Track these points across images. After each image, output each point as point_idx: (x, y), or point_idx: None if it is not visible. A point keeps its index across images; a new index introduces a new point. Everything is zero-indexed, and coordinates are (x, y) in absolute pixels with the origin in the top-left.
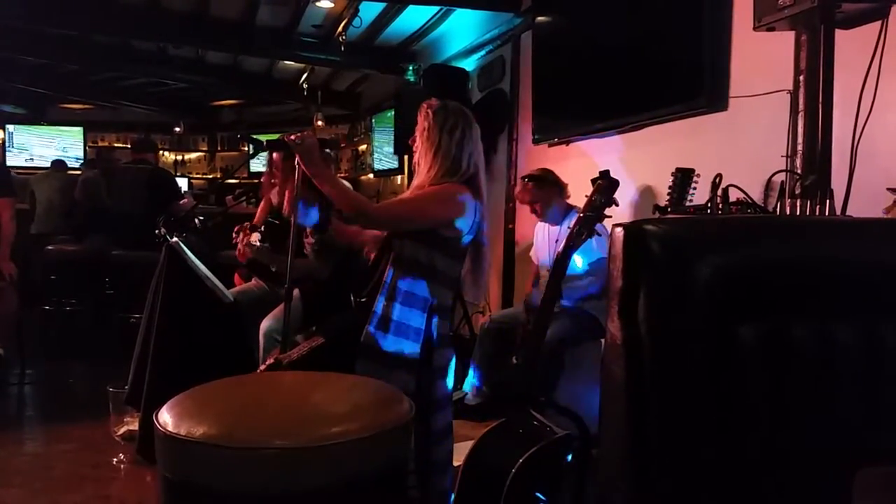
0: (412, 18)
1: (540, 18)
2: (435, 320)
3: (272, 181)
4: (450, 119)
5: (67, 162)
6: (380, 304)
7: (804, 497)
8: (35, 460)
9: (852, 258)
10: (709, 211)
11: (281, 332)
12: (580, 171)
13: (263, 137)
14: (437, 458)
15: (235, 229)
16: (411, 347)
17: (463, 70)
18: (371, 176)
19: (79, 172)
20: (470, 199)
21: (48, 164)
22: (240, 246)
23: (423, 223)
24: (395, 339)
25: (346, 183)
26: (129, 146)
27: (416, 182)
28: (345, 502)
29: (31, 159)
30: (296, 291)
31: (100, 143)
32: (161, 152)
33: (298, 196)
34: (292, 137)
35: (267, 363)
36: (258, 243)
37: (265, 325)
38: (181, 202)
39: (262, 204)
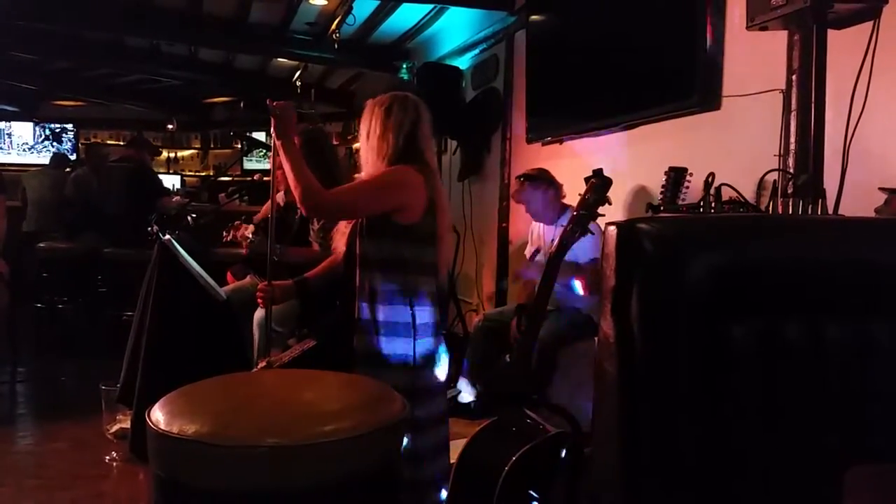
0: (406, 16)
1: (533, 17)
2: (419, 310)
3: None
4: (392, 108)
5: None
6: (363, 309)
7: (795, 494)
8: (27, 459)
9: (844, 257)
10: (701, 210)
11: (275, 323)
12: (573, 169)
13: (258, 135)
14: (429, 446)
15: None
16: (405, 344)
17: (457, 68)
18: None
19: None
20: (419, 179)
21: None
22: (233, 235)
23: (373, 207)
24: (387, 340)
25: None
26: (122, 144)
27: (362, 175)
28: (337, 500)
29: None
30: None
31: (92, 140)
32: None
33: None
34: (273, 103)
35: (259, 366)
36: (251, 236)
37: (259, 315)
38: (172, 199)
39: (266, 205)
